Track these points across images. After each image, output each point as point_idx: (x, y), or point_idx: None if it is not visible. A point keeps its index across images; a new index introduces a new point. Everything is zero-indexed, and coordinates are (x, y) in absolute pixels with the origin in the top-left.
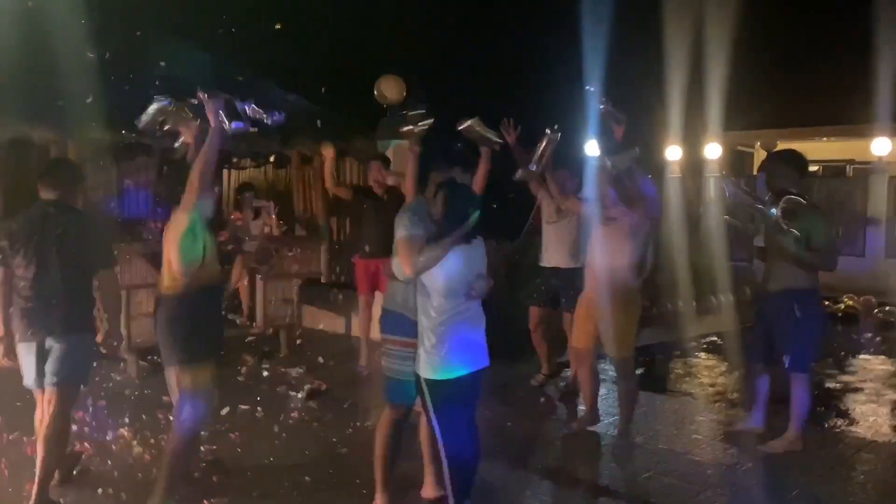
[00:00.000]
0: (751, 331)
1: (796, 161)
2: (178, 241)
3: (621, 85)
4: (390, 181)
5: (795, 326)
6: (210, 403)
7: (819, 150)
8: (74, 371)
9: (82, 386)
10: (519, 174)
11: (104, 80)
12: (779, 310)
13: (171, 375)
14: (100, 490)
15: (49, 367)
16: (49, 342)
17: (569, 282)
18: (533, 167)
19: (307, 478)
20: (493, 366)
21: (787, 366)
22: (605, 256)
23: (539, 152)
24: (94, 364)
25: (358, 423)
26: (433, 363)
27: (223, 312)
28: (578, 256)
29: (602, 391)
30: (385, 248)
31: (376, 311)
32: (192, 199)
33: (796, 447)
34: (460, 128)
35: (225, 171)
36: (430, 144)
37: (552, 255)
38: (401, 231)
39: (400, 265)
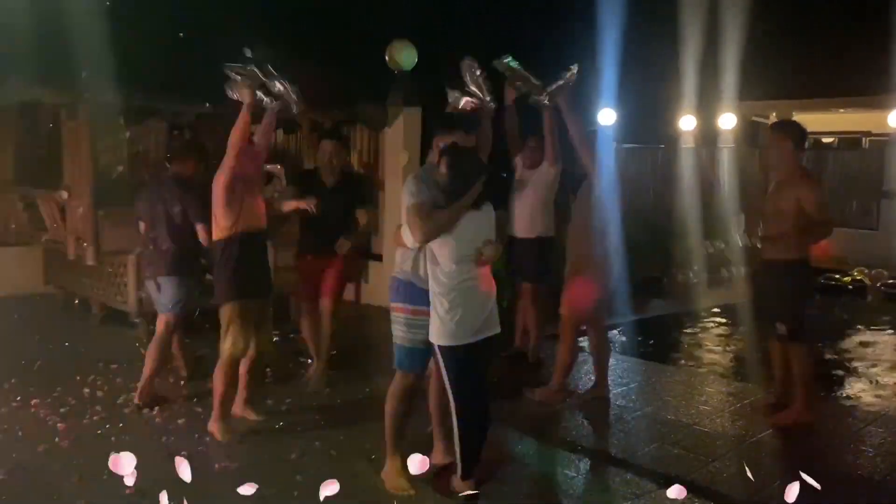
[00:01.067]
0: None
1: (793, 132)
2: (220, 196)
3: (636, 54)
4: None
5: (790, 297)
6: (249, 339)
7: (835, 121)
8: (173, 304)
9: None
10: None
11: (115, 42)
12: (773, 279)
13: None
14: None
15: (160, 299)
16: (160, 280)
17: (526, 252)
18: (545, 98)
19: (317, 443)
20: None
21: (785, 335)
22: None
23: (556, 85)
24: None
25: (368, 390)
26: (446, 330)
27: (267, 258)
28: (536, 227)
29: (611, 362)
30: (330, 247)
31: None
32: (229, 160)
33: (805, 418)
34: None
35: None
36: (430, 110)
37: (512, 225)
38: (408, 198)
39: (408, 233)
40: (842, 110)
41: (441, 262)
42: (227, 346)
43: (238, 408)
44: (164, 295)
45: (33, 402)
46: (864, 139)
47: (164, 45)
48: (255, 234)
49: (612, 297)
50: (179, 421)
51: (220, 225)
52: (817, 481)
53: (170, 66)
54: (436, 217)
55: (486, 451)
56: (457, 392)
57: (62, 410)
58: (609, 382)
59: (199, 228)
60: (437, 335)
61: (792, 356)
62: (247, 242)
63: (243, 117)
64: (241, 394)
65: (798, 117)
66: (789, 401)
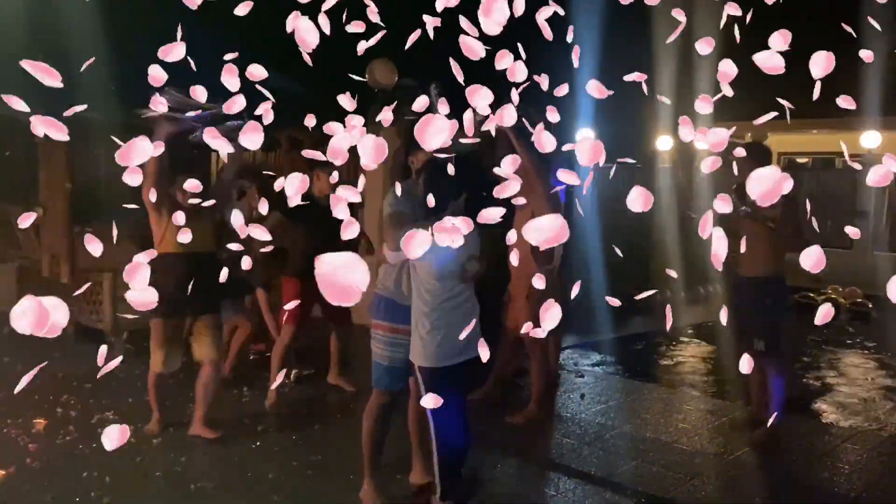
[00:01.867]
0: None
1: (759, 154)
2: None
3: (612, 73)
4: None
5: (766, 313)
6: (163, 356)
7: (810, 142)
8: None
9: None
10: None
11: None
12: (749, 297)
13: None
14: None
15: None
16: None
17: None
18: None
19: (294, 463)
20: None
21: (761, 352)
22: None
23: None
24: None
25: (346, 409)
26: (428, 351)
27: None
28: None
29: (590, 380)
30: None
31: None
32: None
33: (772, 435)
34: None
35: (213, 154)
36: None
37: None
38: (386, 208)
39: (387, 247)
40: (816, 131)
41: (425, 280)
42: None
43: (196, 425)
44: None
45: (6, 422)
46: (837, 159)
47: (140, 58)
48: (180, 256)
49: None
50: (154, 441)
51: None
52: (795, 498)
53: (145, 80)
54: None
55: (465, 471)
56: (436, 413)
57: (33, 431)
58: (587, 401)
59: None
60: (419, 356)
61: (767, 372)
62: (168, 262)
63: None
64: (196, 412)
65: (774, 138)
66: (764, 418)
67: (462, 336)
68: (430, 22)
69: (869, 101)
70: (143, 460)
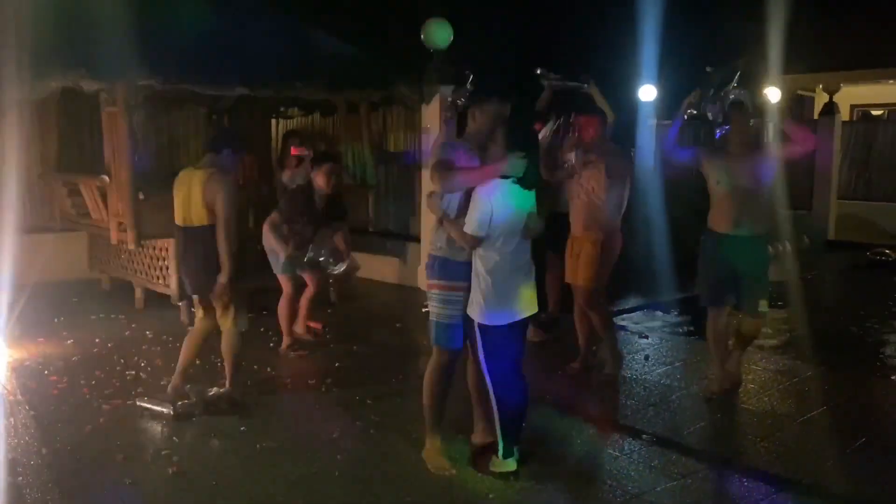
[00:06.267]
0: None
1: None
2: None
3: (677, 26)
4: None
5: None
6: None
7: (884, 93)
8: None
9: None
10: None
11: (151, 26)
12: (753, 254)
13: None
14: None
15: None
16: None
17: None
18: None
19: (358, 423)
20: None
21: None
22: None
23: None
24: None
25: (407, 369)
26: (488, 308)
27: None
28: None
29: (654, 341)
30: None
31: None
32: None
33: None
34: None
35: (273, 120)
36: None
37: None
38: (433, 158)
39: (434, 203)
40: (891, 81)
41: (488, 237)
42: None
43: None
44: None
45: (79, 383)
46: None
47: (199, 28)
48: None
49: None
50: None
51: None
52: (870, 460)
53: (206, 49)
54: (459, 171)
55: (527, 431)
56: (492, 371)
57: (106, 392)
58: (652, 362)
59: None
60: (478, 313)
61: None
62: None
63: None
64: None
65: (846, 90)
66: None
67: (522, 293)
68: None
69: None
70: (208, 421)
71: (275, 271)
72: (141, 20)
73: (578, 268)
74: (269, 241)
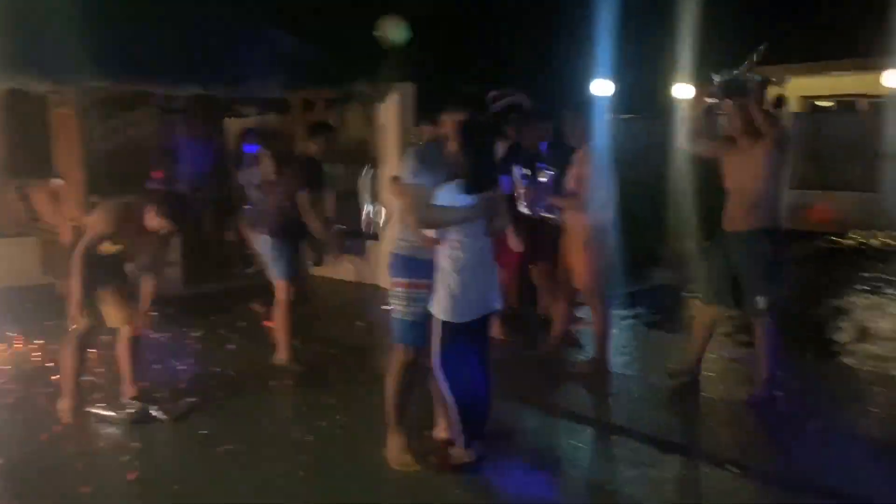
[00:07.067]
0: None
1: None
2: None
3: (628, 21)
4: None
5: (768, 267)
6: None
7: (833, 84)
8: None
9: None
10: None
11: (101, 25)
12: (750, 250)
13: None
14: None
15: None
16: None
17: None
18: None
19: (322, 423)
20: None
21: (760, 308)
22: None
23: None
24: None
25: (370, 369)
26: (451, 305)
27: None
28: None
29: (613, 332)
30: None
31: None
32: None
33: (770, 392)
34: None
35: (227, 119)
36: (438, 87)
37: None
38: (407, 177)
39: (407, 213)
40: (838, 73)
41: (452, 235)
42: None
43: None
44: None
45: (35, 391)
46: (859, 102)
47: (151, 27)
48: None
49: (610, 269)
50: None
51: None
52: (825, 443)
53: (158, 49)
54: (436, 210)
55: (489, 424)
56: (453, 368)
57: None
58: (612, 352)
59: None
60: (443, 311)
61: (763, 330)
62: None
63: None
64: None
65: (795, 81)
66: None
67: (486, 289)
68: None
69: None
70: (169, 426)
71: (271, 276)
72: (91, 20)
73: (576, 270)
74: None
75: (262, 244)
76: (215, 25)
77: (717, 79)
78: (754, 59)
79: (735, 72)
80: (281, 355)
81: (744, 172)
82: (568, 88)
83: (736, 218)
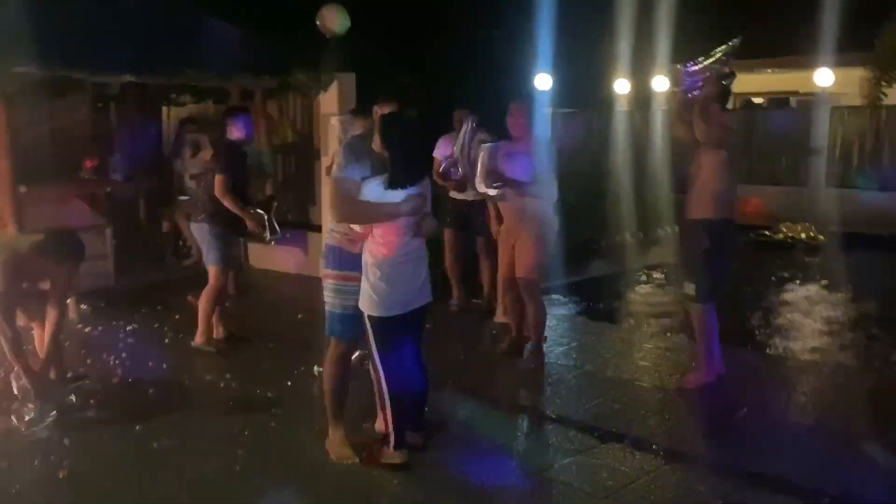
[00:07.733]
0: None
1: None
2: None
3: (568, 17)
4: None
5: (701, 256)
6: None
7: (764, 81)
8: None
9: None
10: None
11: (30, 9)
12: (692, 239)
13: None
14: None
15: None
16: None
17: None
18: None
19: (258, 416)
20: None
21: (692, 296)
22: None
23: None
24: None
25: (307, 362)
26: (377, 300)
27: None
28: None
29: (551, 322)
30: None
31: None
32: None
33: (707, 379)
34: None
35: (164, 108)
36: (374, 77)
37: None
38: (334, 170)
39: (331, 206)
40: (770, 71)
41: (377, 233)
42: None
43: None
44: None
45: None
46: (791, 98)
47: (82, 12)
48: None
49: (548, 260)
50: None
51: None
52: (755, 429)
53: (90, 34)
54: (361, 205)
55: (429, 415)
56: (384, 361)
57: None
58: (549, 343)
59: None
60: (368, 305)
61: (694, 317)
62: None
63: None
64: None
65: None
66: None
67: (413, 284)
68: None
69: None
70: (101, 422)
71: (206, 262)
72: (18, 2)
73: (518, 259)
74: (203, 227)
75: (198, 231)
76: (150, 12)
77: (682, 68)
78: (730, 50)
79: (708, 61)
80: (199, 339)
81: (695, 163)
82: (510, 81)
83: (687, 206)
